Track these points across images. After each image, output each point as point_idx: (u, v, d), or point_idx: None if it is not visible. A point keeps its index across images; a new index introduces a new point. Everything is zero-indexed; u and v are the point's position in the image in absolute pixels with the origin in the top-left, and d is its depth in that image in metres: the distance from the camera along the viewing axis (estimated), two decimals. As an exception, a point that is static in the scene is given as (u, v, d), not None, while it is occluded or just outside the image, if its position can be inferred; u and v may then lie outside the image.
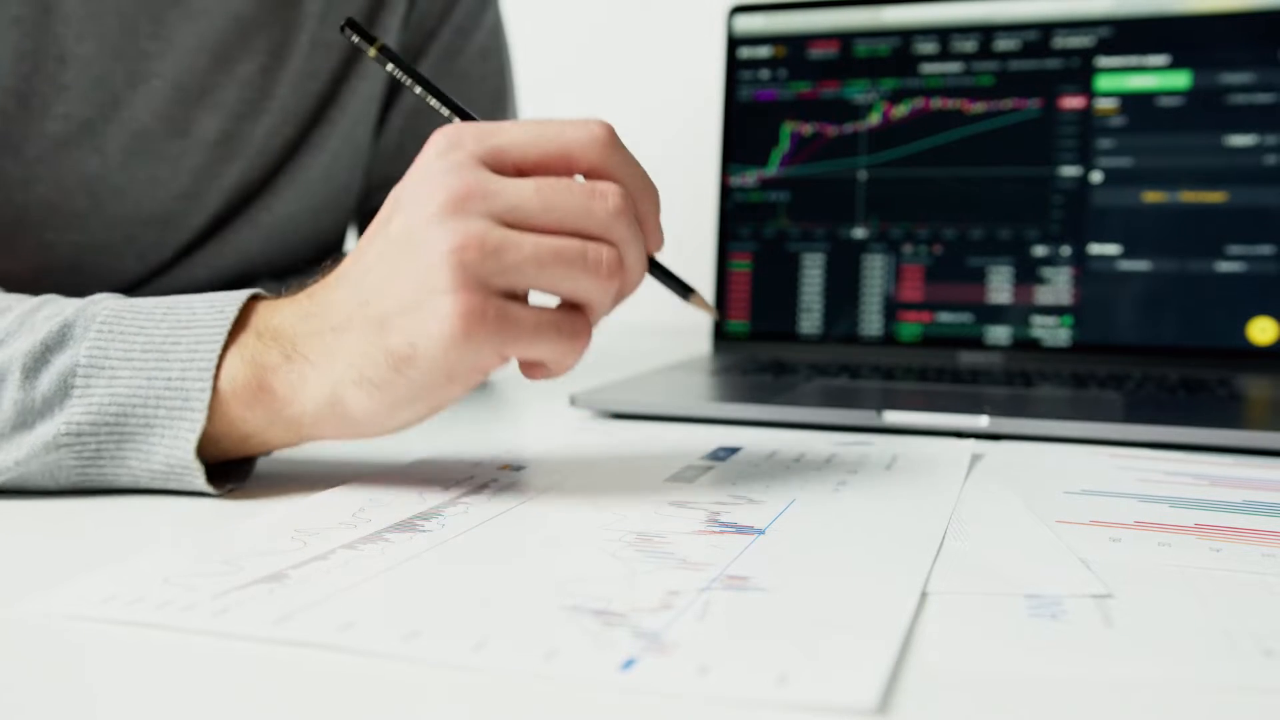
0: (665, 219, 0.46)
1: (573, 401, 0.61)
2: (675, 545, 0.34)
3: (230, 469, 0.43)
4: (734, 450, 0.50)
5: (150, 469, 0.41)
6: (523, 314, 0.39)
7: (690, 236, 1.16)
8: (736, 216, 0.90)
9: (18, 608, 0.29)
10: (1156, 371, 0.75)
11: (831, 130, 0.88)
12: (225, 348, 0.41)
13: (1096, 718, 0.23)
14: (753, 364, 0.78)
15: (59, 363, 0.41)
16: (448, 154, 0.40)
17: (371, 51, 0.46)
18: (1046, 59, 0.83)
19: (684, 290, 0.47)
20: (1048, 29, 0.84)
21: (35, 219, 0.61)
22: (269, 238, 0.70)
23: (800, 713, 0.23)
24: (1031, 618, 0.28)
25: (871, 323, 0.86)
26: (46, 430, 0.40)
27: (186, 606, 0.28)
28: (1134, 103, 0.81)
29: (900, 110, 0.86)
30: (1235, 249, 0.78)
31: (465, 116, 0.46)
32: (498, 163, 0.40)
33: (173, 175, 0.64)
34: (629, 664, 0.25)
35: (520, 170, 0.41)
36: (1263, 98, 0.78)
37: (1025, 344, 0.82)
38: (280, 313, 0.42)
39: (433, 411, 0.41)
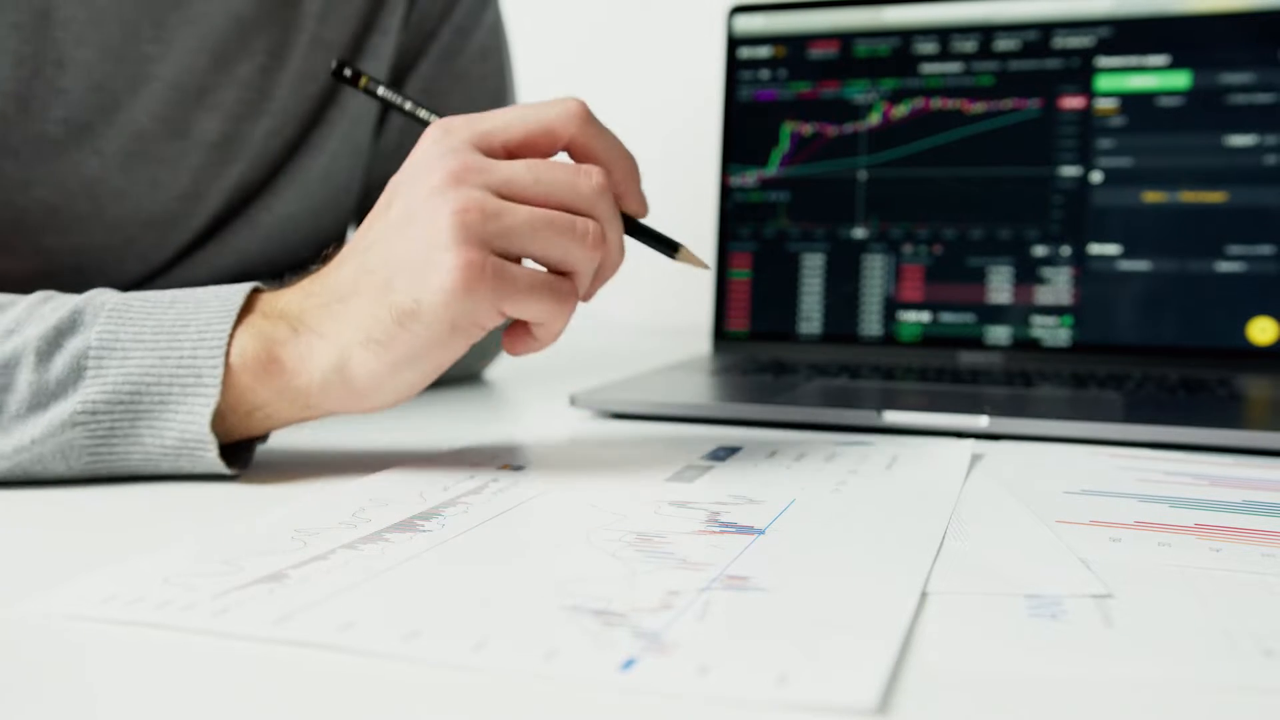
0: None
1: (573, 401, 0.61)
2: (675, 545, 0.34)
3: (232, 455, 0.44)
4: (734, 450, 0.50)
5: (163, 444, 0.42)
6: (518, 272, 0.42)
7: (690, 237, 1.16)
8: (736, 216, 0.90)
9: (18, 608, 0.29)
10: (1156, 371, 0.75)
11: (831, 130, 0.88)
12: (234, 327, 0.43)
13: (1096, 718, 0.23)
14: (753, 364, 0.78)
15: (72, 346, 0.42)
16: (441, 141, 0.43)
17: (362, 82, 0.51)
18: (1046, 59, 0.83)
19: (670, 247, 0.49)
20: (1048, 29, 0.84)
21: (35, 221, 0.61)
22: (269, 238, 0.70)
23: (800, 713, 0.23)
24: (1031, 618, 0.28)
25: (871, 323, 0.86)
26: (61, 410, 0.41)
27: (186, 606, 0.28)
28: (1134, 103, 0.81)
29: (900, 110, 0.86)
30: (1235, 249, 0.78)
31: None
32: (487, 146, 0.44)
33: (172, 176, 0.64)
34: (629, 664, 0.25)
35: (509, 151, 0.44)
36: (1263, 98, 0.78)
37: (1025, 344, 0.82)
38: (283, 297, 0.45)
39: (434, 372, 0.44)
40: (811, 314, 0.87)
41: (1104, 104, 0.82)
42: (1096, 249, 0.81)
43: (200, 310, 0.43)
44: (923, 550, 0.34)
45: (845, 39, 0.88)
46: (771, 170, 0.89)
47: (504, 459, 0.48)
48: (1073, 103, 0.82)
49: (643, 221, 0.48)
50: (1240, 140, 0.79)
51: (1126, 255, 0.81)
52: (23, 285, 0.58)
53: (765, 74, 0.90)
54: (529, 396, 0.73)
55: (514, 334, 0.46)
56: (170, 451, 0.42)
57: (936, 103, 0.86)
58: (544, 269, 0.45)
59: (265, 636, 0.27)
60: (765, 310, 0.88)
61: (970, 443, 0.52)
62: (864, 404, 0.58)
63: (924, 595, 0.30)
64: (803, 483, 0.43)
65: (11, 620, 0.28)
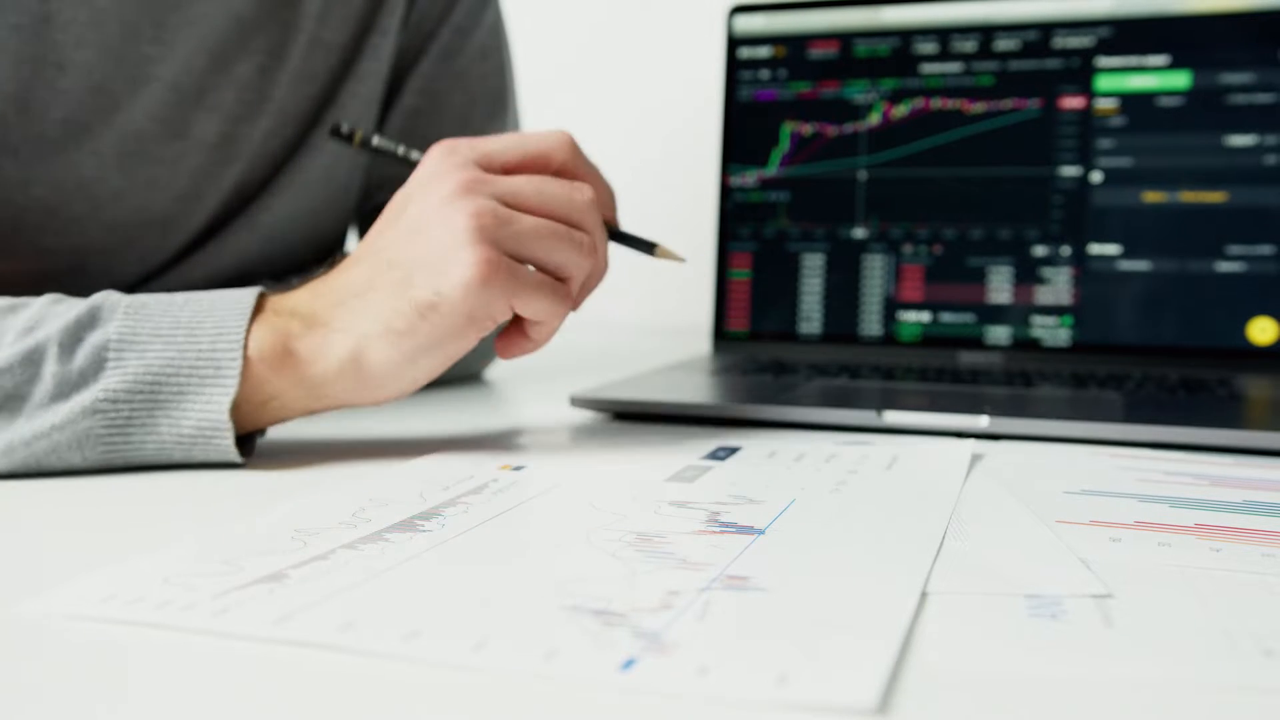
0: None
1: (573, 401, 0.61)
2: (675, 545, 0.34)
3: (239, 446, 0.46)
4: (734, 450, 0.50)
5: (179, 433, 0.44)
6: (525, 272, 0.47)
7: (690, 236, 1.16)
8: (736, 216, 0.90)
9: (18, 608, 0.29)
10: (1156, 371, 0.75)
11: (831, 130, 0.88)
12: (249, 323, 0.45)
13: (1096, 718, 0.23)
14: (753, 364, 0.78)
15: (92, 339, 0.44)
16: (448, 158, 0.48)
17: (357, 138, 0.55)
18: (1046, 59, 0.83)
19: (648, 247, 0.53)
20: (1048, 29, 0.84)
21: (34, 222, 0.61)
22: (268, 239, 0.70)
23: (800, 713, 0.23)
24: (1031, 618, 0.28)
25: (871, 323, 0.86)
26: (82, 398, 0.43)
27: (186, 606, 0.28)
28: (1134, 103, 0.81)
29: (900, 110, 0.86)
30: (1235, 249, 0.78)
31: None
32: (488, 165, 0.49)
33: (171, 177, 0.64)
34: (629, 664, 0.25)
35: (506, 171, 0.49)
36: (1263, 98, 0.78)
37: (1025, 344, 0.82)
38: (291, 298, 0.48)
39: (445, 362, 0.47)
40: (811, 314, 0.87)
41: (1104, 104, 0.82)
42: (1096, 249, 0.81)
43: (215, 308, 0.46)
44: (923, 550, 0.34)
45: (845, 39, 0.88)
46: (771, 170, 0.89)
47: (504, 459, 0.48)
48: (1073, 103, 0.82)
49: (619, 228, 0.53)
50: (1240, 140, 0.79)
51: (1126, 255, 0.81)
52: (23, 286, 0.59)
53: (765, 74, 0.90)
54: (529, 396, 0.73)
55: (507, 337, 0.50)
56: (186, 440, 0.45)
57: (936, 103, 0.86)
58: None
59: (265, 636, 0.27)
60: (765, 310, 0.88)
61: (970, 443, 0.52)
62: (864, 404, 0.58)
63: (924, 595, 0.30)
64: (803, 483, 0.43)
65: (11, 620, 0.28)
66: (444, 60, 0.74)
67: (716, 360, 0.82)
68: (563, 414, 0.62)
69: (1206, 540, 0.36)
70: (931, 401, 0.60)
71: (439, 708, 0.23)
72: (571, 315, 0.51)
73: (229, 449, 0.45)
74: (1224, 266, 0.78)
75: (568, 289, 0.49)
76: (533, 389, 0.75)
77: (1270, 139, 0.78)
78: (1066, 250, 0.82)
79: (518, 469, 0.46)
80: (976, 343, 0.83)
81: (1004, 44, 0.84)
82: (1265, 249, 0.78)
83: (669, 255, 0.53)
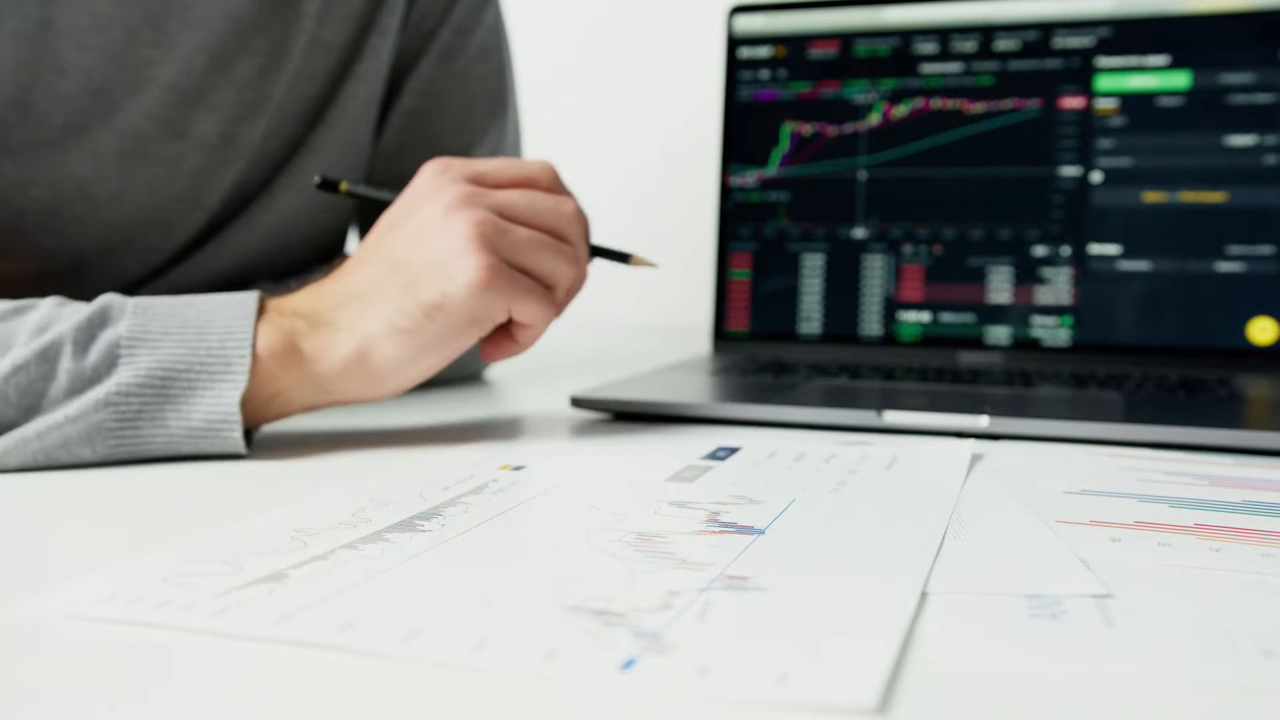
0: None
1: (573, 401, 0.61)
2: (675, 545, 0.34)
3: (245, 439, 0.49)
4: (734, 450, 0.50)
5: (189, 427, 0.46)
6: (521, 277, 0.50)
7: (690, 236, 1.16)
8: (736, 216, 0.90)
9: (18, 608, 0.29)
10: (1156, 371, 0.75)
11: (831, 130, 0.88)
12: (255, 322, 0.48)
13: (1096, 718, 0.23)
14: (753, 364, 0.78)
15: (105, 337, 0.46)
16: (444, 173, 0.51)
17: (343, 187, 0.57)
18: (1046, 59, 0.83)
19: (623, 257, 0.58)
20: (1048, 29, 0.84)
21: (33, 222, 0.61)
22: (268, 239, 0.70)
23: (800, 713, 0.23)
24: (1031, 618, 0.28)
25: (871, 323, 0.86)
26: (95, 393, 0.45)
27: (186, 606, 0.28)
28: (1134, 103, 0.81)
29: (900, 110, 0.86)
30: (1235, 249, 0.78)
31: None
32: (481, 183, 0.52)
33: (170, 178, 0.64)
34: (629, 664, 0.25)
35: (497, 189, 0.52)
36: (1263, 98, 0.78)
37: (1025, 344, 0.82)
38: (291, 300, 0.50)
39: (445, 360, 0.50)
40: (811, 314, 0.87)
41: (1104, 104, 0.82)
42: (1096, 249, 0.81)
43: (220, 309, 0.48)
44: (923, 550, 0.34)
45: (845, 39, 0.88)
46: (771, 170, 0.89)
47: (504, 459, 0.48)
48: (1073, 103, 0.82)
49: (594, 243, 0.57)
50: (1240, 140, 0.79)
51: (1126, 255, 0.81)
52: (23, 287, 0.59)
53: (765, 74, 0.90)
54: (529, 396, 0.73)
55: (494, 340, 0.53)
56: (195, 433, 0.46)
57: (936, 103, 0.86)
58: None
59: (265, 636, 0.27)
60: (765, 310, 0.88)
61: (970, 443, 0.52)
62: (864, 404, 0.58)
63: (924, 595, 0.30)
64: (803, 483, 0.43)
65: (11, 620, 0.28)
66: (444, 60, 0.74)
67: (716, 360, 0.82)
68: (563, 414, 0.62)
69: (1206, 540, 0.36)
70: (931, 401, 0.60)
71: (439, 708, 0.23)
72: (564, 316, 0.54)
73: (236, 441, 0.47)
74: (1224, 266, 0.78)
75: (555, 295, 0.52)
76: (533, 389, 0.75)
77: (1270, 139, 0.78)
78: (1066, 250, 0.82)
79: (518, 469, 0.46)
80: (976, 343, 0.83)
81: (1004, 44, 0.84)
82: (1265, 249, 0.78)
83: (643, 263, 0.58)
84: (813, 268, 0.87)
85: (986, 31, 0.85)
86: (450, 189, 0.50)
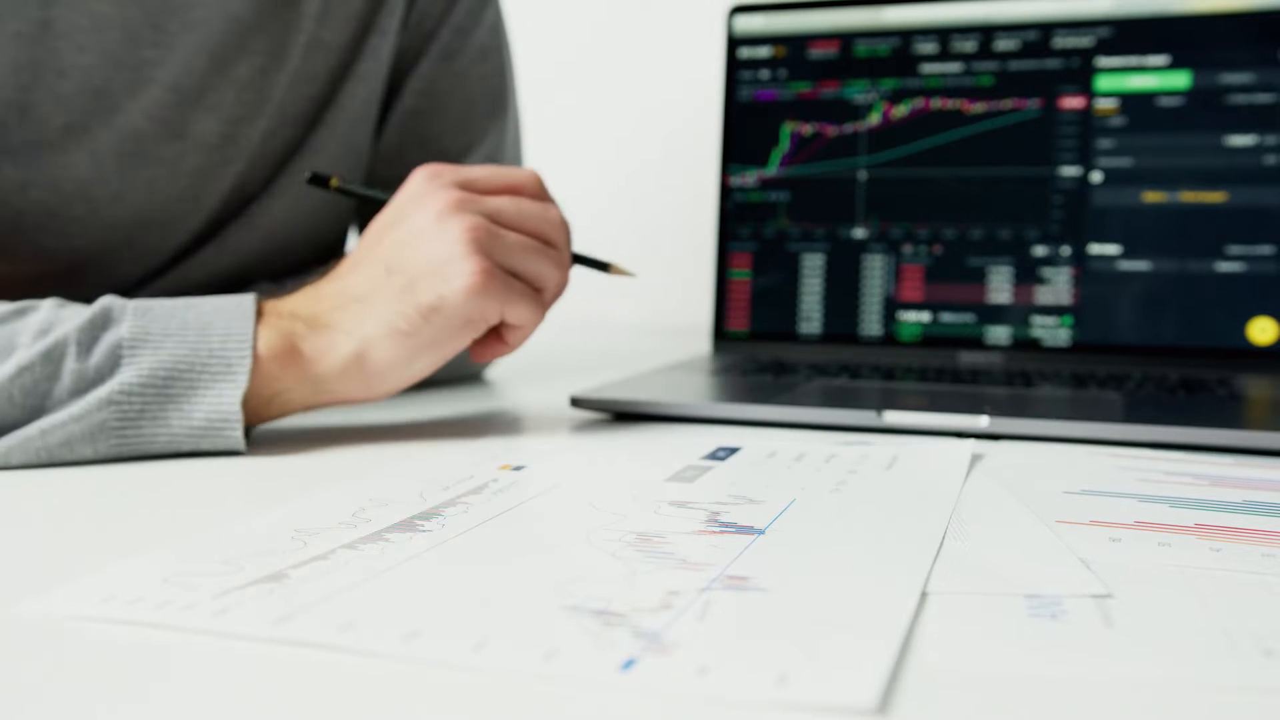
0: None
1: (573, 401, 0.61)
2: (675, 545, 0.34)
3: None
4: (734, 450, 0.50)
5: (190, 426, 0.47)
6: (513, 280, 0.52)
7: (690, 236, 1.16)
8: (736, 216, 0.90)
9: (18, 608, 0.29)
10: (1156, 371, 0.75)
11: (831, 130, 0.88)
12: (255, 324, 0.49)
13: (1096, 718, 0.23)
14: (753, 364, 0.78)
15: (108, 338, 0.47)
16: (434, 179, 0.53)
17: (334, 183, 0.58)
18: (1046, 59, 0.83)
19: (602, 266, 0.59)
20: (1048, 29, 0.84)
21: (33, 223, 0.61)
22: (267, 239, 0.70)
23: (800, 713, 0.23)
24: (1031, 618, 0.28)
25: (871, 323, 0.86)
26: (99, 393, 0.46)
27: (186, 606, 0.28)
28: (1134, 103, 0.81)
29: (900, 110, 0.86)
30: (1235, 249, 0.78)
31: None
32: (470, 189, 0.53)
33: (170, 178, 0.64)
34: (629, 664, 0.25)
35: (486, 195, 0.53)
36: (1263, 98, 0.78)
37: (1025, 344, 0.82)
38: (288, 302, 0.51)
39: (441, 360, 0.51)
40: (811, 314, 0.87)
41: (1104, 104, 0.82)
42: (1096, 249, 0.81)
43: (220, 311, 0.49)
44: (923, 550, 0.34)
45: (845, 39, 0.88)
46: (771, 170, 0.89)
47: (504, 459, 0.48)
48: (1073, 103, 0.82)
49: (575, 251, 0.58)
50: (1240, 140, 0.79)
51: (1126, 255, 0.81)
52: (23, 288, 0.59)
53: (765, 74, 0.90)
54: (529, 396, 0.73)
55: (484, 342, 0.54)
56: (196, 431, 0.47)
57: (936, 103, 0.86)
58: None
59: (265, 636, 0.27)
60: (765, 310, 0.88)
61: (970, 443, 0.52)
62: (864, 404, 0.58)
63: (924, 595, 0.30)
64: (803, 483, 0.43)
65: (11, 620, 0.28)
66: (444, 60, 0.74)
67: (716, 360, 0.82)
68: (563, 414, 0.62)
69: (1206, 540, 0.36)
70: (931, 401, 0.60)
71: (439, 708, 0.23)
72: (562, 315, 0.56)
73: (237, 439, 0.48)
74: (1224, 266, 0.78)
75: (543, 298, 0.54)
76: (533, 389, 0.75)
77: (1270, 139, 0.78)
78: (1066, 250, 0.82)
79: (518, 469, 0.46)
80: (976, 343, 0.83)
81: (1004, 44, 0.84)
82: (1265, 249, 0.78)
83: (621, 272, 0.59)
84: (813, 268, 0.87)
85: (986, 31, 0.85)
86: (442, 195, 0.51)
